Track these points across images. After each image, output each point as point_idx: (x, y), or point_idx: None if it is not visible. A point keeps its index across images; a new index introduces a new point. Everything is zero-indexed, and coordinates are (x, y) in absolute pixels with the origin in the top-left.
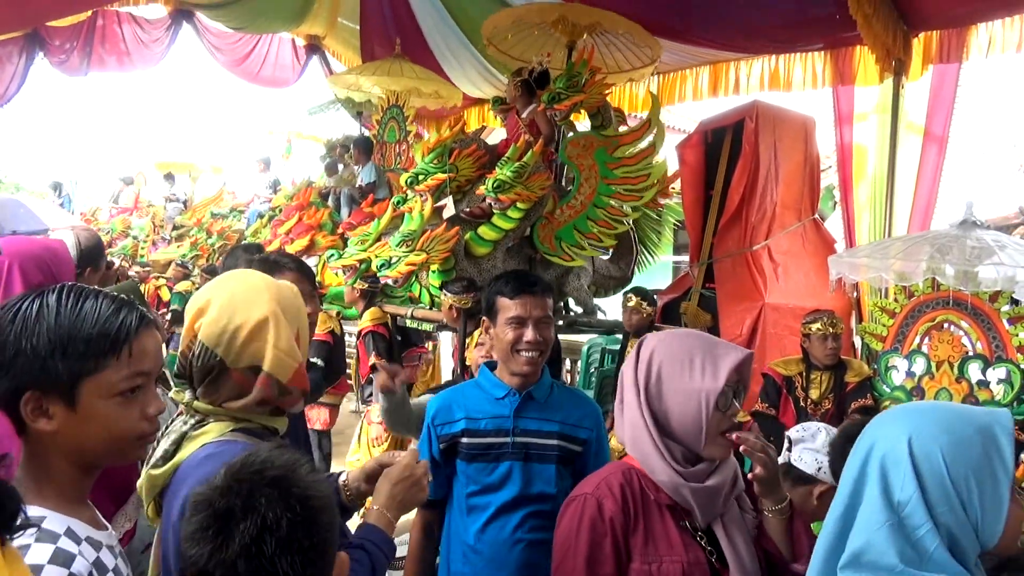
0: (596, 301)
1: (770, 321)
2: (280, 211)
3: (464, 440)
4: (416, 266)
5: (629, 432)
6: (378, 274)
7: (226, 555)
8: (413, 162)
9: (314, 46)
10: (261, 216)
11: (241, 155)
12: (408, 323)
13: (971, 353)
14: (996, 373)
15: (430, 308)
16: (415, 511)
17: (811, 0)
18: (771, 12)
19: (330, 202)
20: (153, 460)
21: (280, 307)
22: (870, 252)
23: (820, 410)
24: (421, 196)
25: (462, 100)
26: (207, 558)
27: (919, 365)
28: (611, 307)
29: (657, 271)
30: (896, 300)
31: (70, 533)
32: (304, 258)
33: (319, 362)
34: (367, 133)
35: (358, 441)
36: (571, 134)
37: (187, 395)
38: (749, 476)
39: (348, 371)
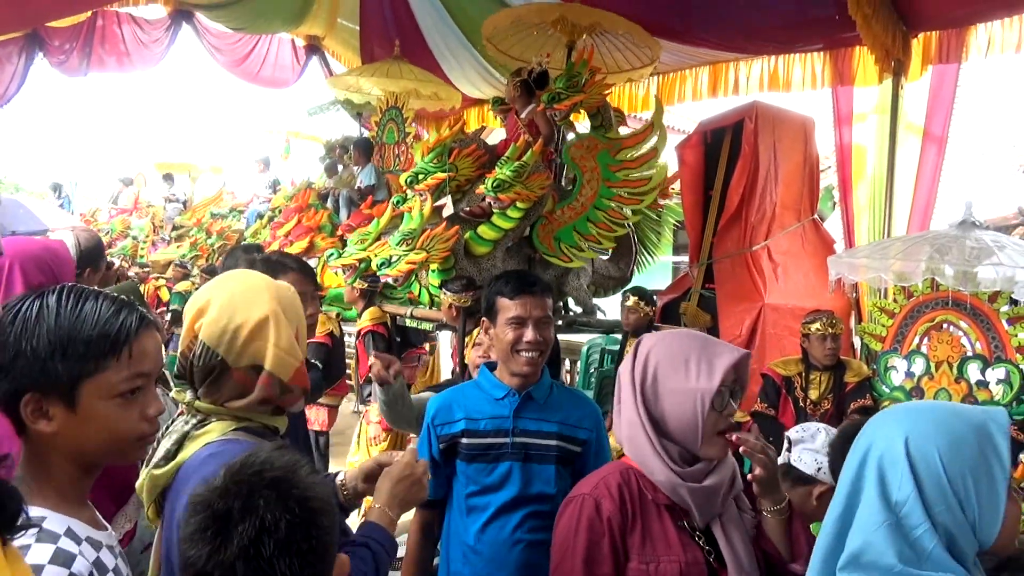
0: (595, 301)
1: (769, 321)
2: (279, 211)
3: (464, 440)
4: (416, 265)
5: (626, 432)
6: (378, 273)
7: (224, 556)
8: (412, 163)
9: (314, 46)
10: (260, 216)
11: (240, 155)
12: (407, 323)
13: (970, 353)
14: (995, 373)
15: (430, 308)
16: (413, 511)
17: (811, 1)
18: (771, 13)
19: (329, 204)
20: (155, 460)
21: (280, 306)
22: (869, 252)
23: (819, 410)
24: (421, 195)
25: (461, 101)
26: (205, 559)
27: (918, 365)
28: (611, 307)
29: (657, 271)
30: (895, 300)
31: (70, 533)
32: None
33: (317, 364)
34: (367, 134)
35: (357, 441)
36: (574, 136)
37: (188, 395)
38: (749, 477)
39: (348, 372)
